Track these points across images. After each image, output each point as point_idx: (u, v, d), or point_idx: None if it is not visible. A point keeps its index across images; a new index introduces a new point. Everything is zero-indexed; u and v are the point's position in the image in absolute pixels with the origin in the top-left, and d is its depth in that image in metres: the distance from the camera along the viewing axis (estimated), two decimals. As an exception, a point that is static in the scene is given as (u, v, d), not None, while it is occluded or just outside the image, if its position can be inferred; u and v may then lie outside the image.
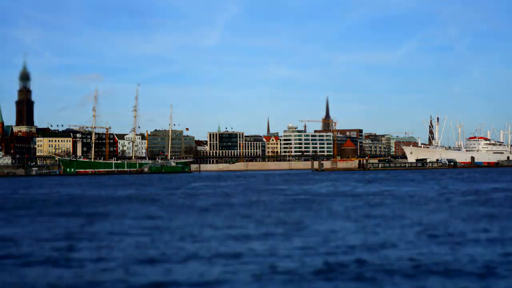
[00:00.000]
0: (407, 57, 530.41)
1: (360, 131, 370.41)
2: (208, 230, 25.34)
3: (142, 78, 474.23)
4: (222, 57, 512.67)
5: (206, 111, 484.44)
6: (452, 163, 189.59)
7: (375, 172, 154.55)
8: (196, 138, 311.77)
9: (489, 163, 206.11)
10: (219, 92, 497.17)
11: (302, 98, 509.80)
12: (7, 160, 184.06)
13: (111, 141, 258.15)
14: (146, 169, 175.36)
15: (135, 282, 15.48)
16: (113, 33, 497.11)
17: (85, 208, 40.55)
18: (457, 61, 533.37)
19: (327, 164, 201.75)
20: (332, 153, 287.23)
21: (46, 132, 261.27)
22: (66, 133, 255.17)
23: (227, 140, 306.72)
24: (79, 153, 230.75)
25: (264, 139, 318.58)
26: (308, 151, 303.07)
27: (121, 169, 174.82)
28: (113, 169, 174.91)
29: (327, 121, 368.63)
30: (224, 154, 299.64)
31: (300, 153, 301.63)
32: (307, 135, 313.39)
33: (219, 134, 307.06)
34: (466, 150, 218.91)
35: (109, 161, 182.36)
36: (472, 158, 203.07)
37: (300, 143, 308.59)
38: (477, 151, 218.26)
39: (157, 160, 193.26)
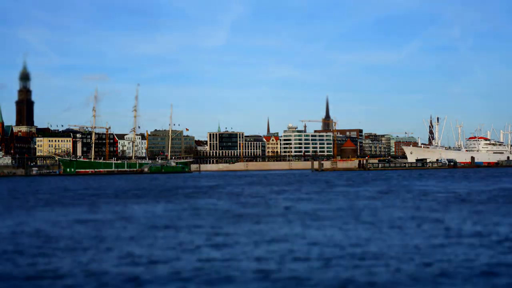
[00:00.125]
0: (408, 58, 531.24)
1: (360, 131, 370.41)
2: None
3: (143, 78, 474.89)
4: (224, 57, 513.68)
5: (206, 111, 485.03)
6: (452, 163, 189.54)
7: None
8: (196, 138, 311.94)
9: (489, 163, 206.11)
10: (219, 92, 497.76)
11: (302, 98, 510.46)
12: (7, 160, 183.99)
13: (111, 141, 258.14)
14: (146, 169, 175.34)
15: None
16: (116, 33, 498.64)
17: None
18: (459, 61, 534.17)
19: (327, 164, 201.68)
20: (332, 153, 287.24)
21: (46, 132, 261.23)
22: (66, 133, 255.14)
23: (227, 140, 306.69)
24: (79, 153, 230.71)
25: (264, 139, 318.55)
26: (308, 151, 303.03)
27: (121, 169, 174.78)
28: (113, 169, 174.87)
29: (327, 121, 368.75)
30: (224, 154, 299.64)
31: (300, 153, 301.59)
32: (307, 135, 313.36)
33: (219, 134, 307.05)
34: (466, 150, 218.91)
35: (109, 161, 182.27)
36: (472, 158, 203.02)
37: (300, 143, 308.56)
38: (477, 151, 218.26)
39: (157, 160, 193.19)
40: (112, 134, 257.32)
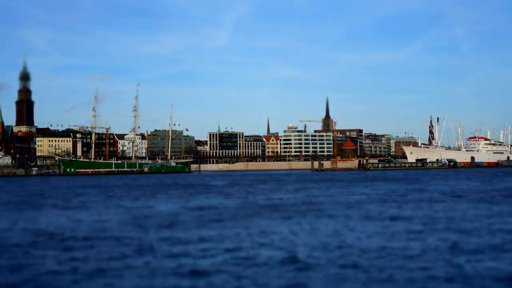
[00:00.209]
0: (410, 58, 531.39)
1: (360, 131, 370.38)
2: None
3: (146, 78, 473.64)
4: (227, 58, 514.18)
5: (206, 111, 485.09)
6: (452, 163, 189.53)
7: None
8: (196, 138, 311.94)
9: (489, 163, 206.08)
10: (219, 92, 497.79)
11: (302, 98, 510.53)
12: (7, 160, 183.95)
13: (111, 141, 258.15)
14: (146, 169, 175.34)
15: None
16: (120, 33, 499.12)
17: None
18: (461, 61, 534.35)
19: (327, 164, 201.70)
20: (332, 153, 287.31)
21: (46, 132, 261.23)
22: (66, 133, 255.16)
23: (227, 140, 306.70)
24: (79, 153, 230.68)
25: (264, 139, 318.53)
26: (308, 151, 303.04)
27: (121, 169, 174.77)
28: (113, 169, 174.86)
29: (327, 121, 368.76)
30: (224, 154, 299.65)
31: (300, 153, 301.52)
32: (307, 135, 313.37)
33: (219, 134, 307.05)
34: (466, 150, 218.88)
35: (109, 161, 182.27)
36: (472, 158, 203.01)
37: (300, 143, 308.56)
38: (477, 151, 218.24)
39: (157, 160, 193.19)
40: (112, 134, 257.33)
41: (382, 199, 45.61)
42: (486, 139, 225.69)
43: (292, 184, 78.89)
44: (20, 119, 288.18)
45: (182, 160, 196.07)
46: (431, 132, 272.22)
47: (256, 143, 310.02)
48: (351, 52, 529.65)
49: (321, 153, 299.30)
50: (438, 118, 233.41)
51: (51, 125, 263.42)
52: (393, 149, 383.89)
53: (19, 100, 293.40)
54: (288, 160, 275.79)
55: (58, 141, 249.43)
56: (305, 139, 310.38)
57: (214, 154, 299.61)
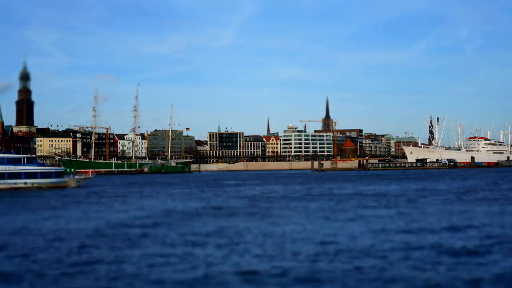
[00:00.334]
0: (412, 58, 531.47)
1: (360, 131, 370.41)
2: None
3: (149, 78, 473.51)
4: (231, 58, 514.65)
5: (206, 111, 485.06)
6: (452, 163, 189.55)
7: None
8: (196, 138, 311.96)
9: (489, 163, 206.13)
10: (220, 92, 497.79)
11: (302, 98, 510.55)
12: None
13: (111, 141, 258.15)
14: (146, 169, 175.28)
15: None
16: (124, 33, 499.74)
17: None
18: (463, 62, 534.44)
19: (327, 164, 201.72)
20: (332, 153, 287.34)
21: (46, 132, 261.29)
22: (66, 133, 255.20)
23: (227, 140, 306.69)
24: (79, 153, 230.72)
25: (264, 139, 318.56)
26: (308, 151, 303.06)
27: (121, 169, 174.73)
28: (113, 169, 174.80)
29: (327, 121, 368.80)
30: (224, 154, 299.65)
31: (300, 153, 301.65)
32: (307, 135, 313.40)
33: (219, 134, 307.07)
34: (466, 150, 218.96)
35: (109, 161, 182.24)
36: (472, 158, 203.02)
37: (300, 143, 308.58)
38: (477, 151, 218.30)
39: (157, 160, 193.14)
40: (112, 134, 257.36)
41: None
42: (486, 139, 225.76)
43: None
44: (20, 119, 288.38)
45: (182, 160, 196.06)
46: (431, 132, 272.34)
47: (256, 143, 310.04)
48: (353, 53, 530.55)
49: (321, 153, 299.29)
50: (438, 118, 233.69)
51: (51, 125, 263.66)
52: (393, 149, 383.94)
53: (19, 100, 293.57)
54: (288, 160, 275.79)
55: (58, 141, 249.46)
56: (305, 139, 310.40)
57: (214, 154, 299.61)
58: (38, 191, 64.68)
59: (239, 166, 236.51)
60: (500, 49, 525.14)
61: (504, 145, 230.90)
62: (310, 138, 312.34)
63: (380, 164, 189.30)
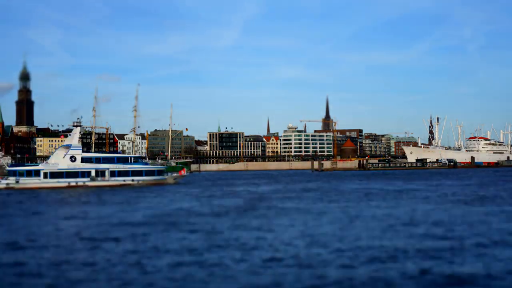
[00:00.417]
0: (414, 58, 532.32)
1: (360, 131, 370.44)
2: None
3: (149, 78, 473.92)
4: (232, 58, 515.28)
5: (206, 111, 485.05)
6: (452, 163, 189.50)
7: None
8: (196, 138, 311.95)
9: (489, 163, 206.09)
10: (220, 92, 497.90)
11: (302, 98, 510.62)
12: (7, 160, 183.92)
13: (111, 141, 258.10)
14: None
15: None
16: (127, 33, 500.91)
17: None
18: (462, 62, 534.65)
19: (327, 164, 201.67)
20: (332, 153, 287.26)
21: (46, 132, 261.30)
22: (66, 133, 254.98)
23: (227, 140, 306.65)
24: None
25: (264, 139, 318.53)
26: (308, 151, 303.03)
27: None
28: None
29: (327, 121, 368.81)
30: (224, 154, 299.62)
31: (300, 153, 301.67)
32: (307, 135, 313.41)
33: (219, 134, 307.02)
34: (466, 150, 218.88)
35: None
36: (472, 158, 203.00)
37: (300, 143, 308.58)
38: (477, 151, 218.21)
39: (157, 160, 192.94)
40: (112, 134, 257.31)
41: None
42: (486, 139, 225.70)
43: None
44: (20, 119, 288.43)
45: (182, 160, 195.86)
46: (431, 132, 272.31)
47: (256, 143, 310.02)
48: (355, 53, 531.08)
49: (321, 153, 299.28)
50: (438, 118, 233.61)
51: (51, 125, 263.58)
52: (393, 149, 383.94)
53: (19, 100, 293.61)
54: (288, 160, 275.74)
55: (58, 141, 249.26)
56: (305, 139, 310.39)
57: (214, 154, 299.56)
58: (151, 187, 72.63)
59: (239, 166, 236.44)
60: (501, 49, 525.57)
61: (504, 145, 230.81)
62: (310, 138, 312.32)
63: (380, 164, 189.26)
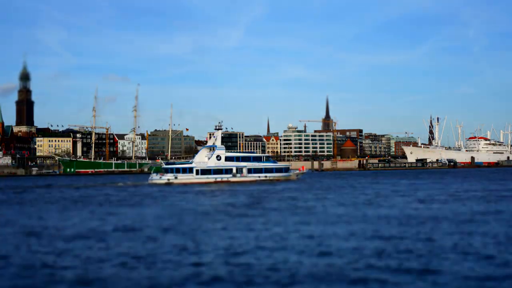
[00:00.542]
0: (413, 59, 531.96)
1: (360, 131, 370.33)
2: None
3: (149, 78, 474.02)
4: (234, 58, 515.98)
5: (206, 111, 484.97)
6: (452, 163, 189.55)
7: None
8: (196, 138, 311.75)
9: (489, 163, 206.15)
10: (220, 92, 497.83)
11: (302, 98, 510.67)
12: (7, 160, 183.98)
13: (111, 141, 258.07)
14: (146, 169, 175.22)
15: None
16: (133, 33, 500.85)
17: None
18: (462, 63, 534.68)
19: (327, 164, 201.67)
20: (332, 153, 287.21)
21: (46, 132, 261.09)
22: (66, 133, 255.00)
23: (227, 140, 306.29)
24: (79, 153, 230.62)
25: (264, 139, 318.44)
26: (308, 151, 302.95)
27: (121, 169, 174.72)
28: (113, 169, 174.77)
29: (327, 121, 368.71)
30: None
31: (300, 153, 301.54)
32: (307, 135, 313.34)
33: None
34: (466, 150, 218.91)
35: (109, 161, 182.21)
36: (472, 158, 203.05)
37: (300, 143, 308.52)
38: (477, 151, 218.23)
39: (157, 160, 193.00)
40: (112, 134, 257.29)
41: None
42: (486, 139, 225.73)
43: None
44: (20, 119, 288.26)
45: (182, 161, 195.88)
46: (431, 132, 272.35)
47: (256, 143, 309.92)
48: (357, 54, 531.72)
49: (321, 153, 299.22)
50: (438, 118, 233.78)
51: (51, 125, 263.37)
52: (393, 149, 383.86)
53: (19, 100, 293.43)
54: (288, 160, 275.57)
55: (58, 141, 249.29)
56: (305, 139, 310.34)
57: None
58: (280, 183, 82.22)
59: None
60: (503, 50, 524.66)
61: (504, 145, 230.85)
62: (310, 138, 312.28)
63: (380, 164, 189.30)
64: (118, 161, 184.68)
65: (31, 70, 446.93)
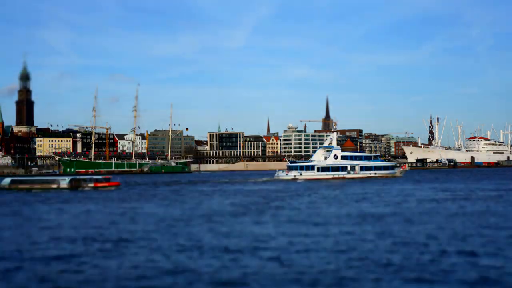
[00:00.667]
0: (414, 59, 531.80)
1: (360, 131, 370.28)
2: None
3: (150, 79, 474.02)
4: (240, 59, 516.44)
5: (206, 111, 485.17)
6: (452, 163, 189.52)
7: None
8: (196, 138, 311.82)
9: (489, 163, 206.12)
10: (221, 92, 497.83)
11: (302, 98, 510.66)
12: (7, 160, 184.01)
13: (111, 141, 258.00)
14: (146, 169, 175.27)
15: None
16: (137, 33, 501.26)
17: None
18: (462, 63, 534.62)
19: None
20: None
21: (46, 132, 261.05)
22: (66, 133, 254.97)
23: (227, 140, 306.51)
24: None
25: (264, 139, 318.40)
26: (308, 151, 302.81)
27: (121, 169, 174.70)
28: (113, 169, 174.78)
29: (327, 121, 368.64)
30: (224, 154, 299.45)
31: (300, 153, 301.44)
32: (307, 135, 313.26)
33: (219, 134, 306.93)
34: (466, 150, 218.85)
35: (109, 161, 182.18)
36: (472, 158, 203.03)
37: (300, 143, 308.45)
38: (477, 151, 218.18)
39: (157, 160, 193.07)
40: (112, 134, 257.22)
41: None
42: (486, 139, 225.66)
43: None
44: (20, 119, 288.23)
45: (182, 160, 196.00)
46: (431, 132, 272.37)
47: (256, 143, 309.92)
48: (361, 54, 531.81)
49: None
50: (438, 118, 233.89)
51: (51, 125, 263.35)
52: (393, 149, 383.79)
53: (19, 100, 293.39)
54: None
55: (58, 141, 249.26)
56: (305, 139, 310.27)
57: (214, 154, 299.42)
58: (387, 179, 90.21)
59: (239, 166, 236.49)
60: (506, 50, 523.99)
61: (504, 145, 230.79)
62: (310, 138, 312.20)
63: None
64: (118, 161, 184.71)
65: (35, 70, 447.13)
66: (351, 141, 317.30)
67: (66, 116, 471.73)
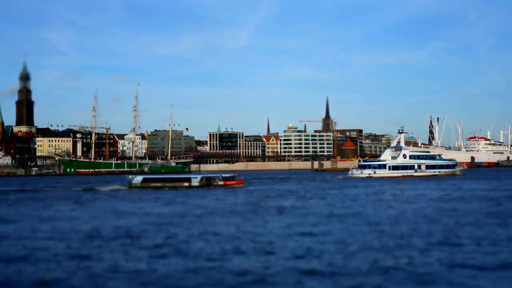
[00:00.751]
0: (414, 60, 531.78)
1: (360, 131, 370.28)
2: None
3: (151, 79, 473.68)
4: (242, 59, 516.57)
5: (206, 111, 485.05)
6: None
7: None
8: (196, 138, 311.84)
9: (489, 163, 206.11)
10: (221, 93, 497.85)
11: (302, 98, 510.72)
12: (7, 160, 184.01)
13: (111, 141, 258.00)
14: (146, 169, 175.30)
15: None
16: (140, 33, 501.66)
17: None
18: (463, 63, 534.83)
19: (327, 164, 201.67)
20: (332, 153, 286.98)
21: (46, 132, 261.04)
22: (66, 133, 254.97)
23: (227, 140, 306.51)
24: (79, 153, 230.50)
25: (264, 139, 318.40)
26: (308, 151, 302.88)
27: (121, 169, 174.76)
28: (113, 169, 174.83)
29: (327, 121, 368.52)
30: (224, 154, 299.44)
31: (300, 153, 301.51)
32: (307, 135, 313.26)
33: (219, 134, 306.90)
34: (466, 150, 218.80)
35: (109, 161, 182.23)
36: (472, 158, 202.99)
37: (300, 143, 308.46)
38: (477, 151, 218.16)
39: (157, 160, 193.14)
40: (112, 134, 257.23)
41: None
42: (486, 139, 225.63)
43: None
44: (20, 119, 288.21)
45: (182, 160, 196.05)
46: (431, 132, 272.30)
47: (256, 143, 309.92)
48: (360, 54, 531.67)
49: (321, 153, 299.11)
50: (438, 118, 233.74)
51: (51, 125, 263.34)
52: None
53: (19, 100, 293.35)
54: (288, 160, 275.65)
55: (58, 141, 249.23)
56: (305, 139, 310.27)
57: (214, 154, 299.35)
58: (447, 177, 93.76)
59: (239, 166, 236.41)
60: (508, 50, 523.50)
61: (504, 145, 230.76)
62: (310, 138, 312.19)
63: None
64: (118, 161, 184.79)
65: (36, 69, 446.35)
66: (351, 141, 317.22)
67: (66, 116, 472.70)
